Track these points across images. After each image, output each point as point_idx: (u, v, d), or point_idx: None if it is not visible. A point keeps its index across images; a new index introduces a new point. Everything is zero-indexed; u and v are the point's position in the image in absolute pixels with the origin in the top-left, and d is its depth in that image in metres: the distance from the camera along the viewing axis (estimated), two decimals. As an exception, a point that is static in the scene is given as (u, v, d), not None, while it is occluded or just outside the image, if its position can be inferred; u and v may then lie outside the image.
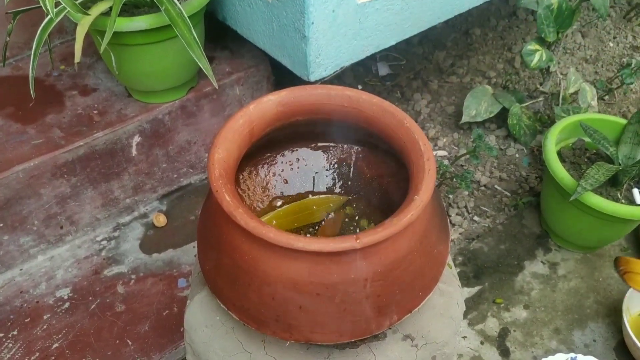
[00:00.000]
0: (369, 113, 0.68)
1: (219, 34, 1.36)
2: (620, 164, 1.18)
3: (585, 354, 1.09)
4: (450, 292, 0.71)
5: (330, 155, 0.81)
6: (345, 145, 0.80)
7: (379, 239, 0.55)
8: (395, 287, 0.59)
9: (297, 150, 0.80)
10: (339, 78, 1.66)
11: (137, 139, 1.21)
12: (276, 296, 0.58)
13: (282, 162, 0.80)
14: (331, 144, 0.81)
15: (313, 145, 0.80)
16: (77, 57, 0.92)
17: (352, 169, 0.81)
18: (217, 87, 1.09)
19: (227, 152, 0.62)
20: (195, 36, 1.00)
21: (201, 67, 1.02)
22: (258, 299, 0.59)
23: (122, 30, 1.00)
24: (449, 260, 0.75)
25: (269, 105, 0.68)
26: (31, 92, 1.04)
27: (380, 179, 0.80)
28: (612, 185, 1.19)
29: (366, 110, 0.68)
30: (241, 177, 0.77)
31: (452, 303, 0.71)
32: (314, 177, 0.81)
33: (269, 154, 0.80)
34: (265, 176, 0.80)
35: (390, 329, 0.67)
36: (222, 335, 0.69)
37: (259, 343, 0.67)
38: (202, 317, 0.70)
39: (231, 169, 0.62)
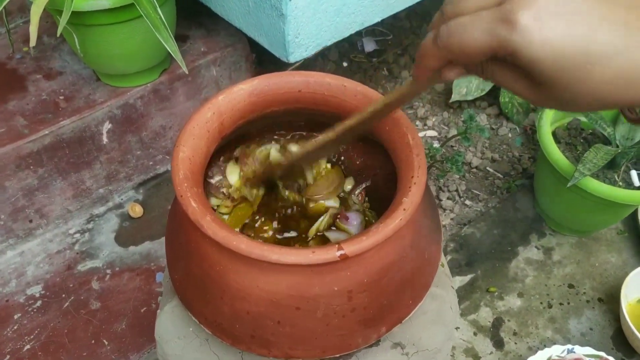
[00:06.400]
0: (352, 102, 0.61)
1: (194, 10, 1.27)
2: (618, 145, 1.12)
3: (581, 343, 1.06)
4: (442, 296, 0.66)
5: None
6: None
7: (364, 248, 0.49)
8: (382, 297, 0.54)
9: (277, 142, 0.74)
10: (324, 55, 1.58)
11: (107, 125, 1.14)
12: (251, 310, 0.52)
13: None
14: (315, 135, 0.74)
15: (295, 136, 0.74)
16: (32, 40, 0.83)
17: (342, 158, 0.74)
18: (186, 72, 1.01)
19: (193, 150, 0.55)
20: (162, 16, 0.91)
21: (168, 50, 0.94)
22: (231, 313, 0.54)
23: (83, 10, 0.91)
24: (441, 258, 0.70)
25: (240, 95, 0.60)
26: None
27: (369, 170, 0.73)
28: (609, 167, 1.13)
29: (349, 99, 0.61)
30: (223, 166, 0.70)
31: (445, 307, 0.65)
32: None
33: (247, 147, 0.73)
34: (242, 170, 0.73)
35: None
36: (196, 347, 0.63)
37: (236, 355, 0.62)
38: (173, 328, 0.64)
39: (198, 169, 0.55)
